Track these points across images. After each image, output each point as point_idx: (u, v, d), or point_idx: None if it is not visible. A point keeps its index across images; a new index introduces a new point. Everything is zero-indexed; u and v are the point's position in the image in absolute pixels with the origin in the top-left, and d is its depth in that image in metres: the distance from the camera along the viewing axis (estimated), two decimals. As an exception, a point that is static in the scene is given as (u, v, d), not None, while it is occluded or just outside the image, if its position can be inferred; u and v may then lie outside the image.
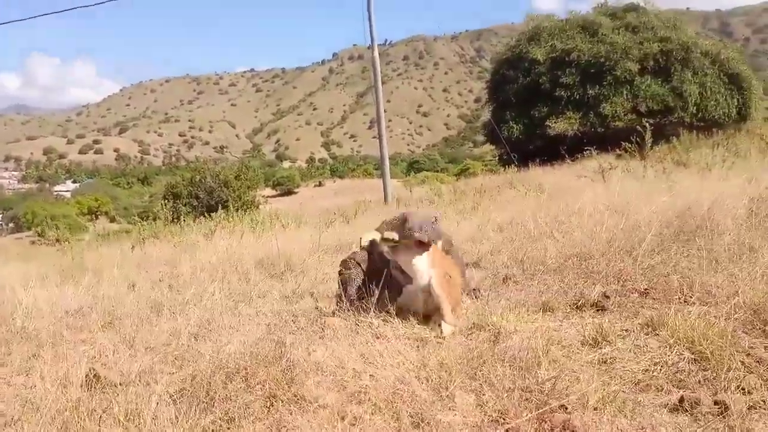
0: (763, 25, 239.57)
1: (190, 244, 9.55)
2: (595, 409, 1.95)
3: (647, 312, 2.92)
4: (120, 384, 2.53)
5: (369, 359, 2.46)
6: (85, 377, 2.66)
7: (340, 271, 3.56)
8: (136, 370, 2.67)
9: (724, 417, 1.85)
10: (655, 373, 2.24)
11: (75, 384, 2.57)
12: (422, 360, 2.41)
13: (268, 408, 2.08)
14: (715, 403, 1.95)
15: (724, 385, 2.07)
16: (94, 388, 2.54)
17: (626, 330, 2.73)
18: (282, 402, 2.09)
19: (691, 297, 3.07)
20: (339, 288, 3.53)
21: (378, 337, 2.75)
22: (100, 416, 2.06)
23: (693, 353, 2.32)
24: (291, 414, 2.01)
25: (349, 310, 3.14)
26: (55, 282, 6.49)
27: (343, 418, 1.93)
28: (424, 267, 3.05)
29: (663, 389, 2.14)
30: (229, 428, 1.99)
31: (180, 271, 6.45)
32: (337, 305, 3.41)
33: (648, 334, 2.63)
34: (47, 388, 2.50)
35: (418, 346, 2.69)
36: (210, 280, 5.61)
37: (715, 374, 2.16)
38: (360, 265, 3.39)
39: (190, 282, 5.51)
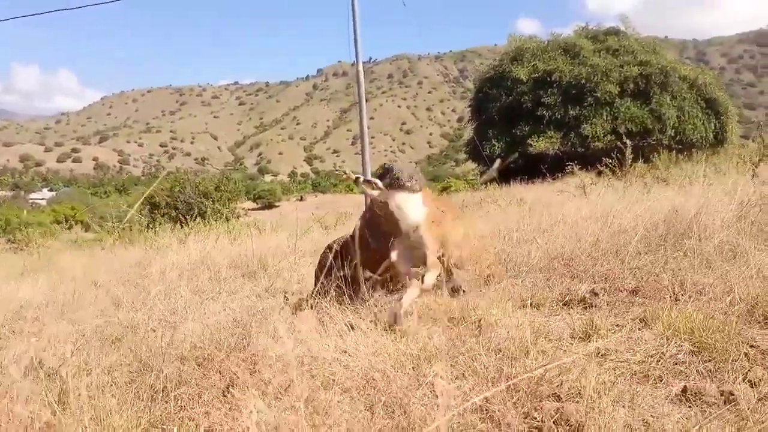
0: (737, 56, 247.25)
1: (163, 247, 9.23)
2: (591, 399, 1.77)
3: (638, 309, 2.77)
4: (63, 374, 2.27)
5: (342, 349, 2.26)
6: (29, 364, 2.40)
7: (322, 255, 3.37)
8: (84, 358, 2.42)
9: (732, 407, 1.69)
10: (652, 365, 2.07)
11: (16, 371, 2.31)
12: (399, 350, 2.22)
13: (225, 395, 1.86)
14: (721, 393, 1.79)
15: (730, 376, 1.91)
16: (35, 375, 2.29)
17: (618, 325, 2.57)
18: (241, 389, 1.87)
19: (683, 295, 2.93)
20: (316, 279, 3.32)
21: (353, 328, 2.54)
22: (29, 399, 1.82)
23: (693, 344, 2.16)
24: (251, 398, 1.79)
25: (324, 300, 2.93)
26: (15, 280, 6.17)
27: (308, 404, 1.72)
28: (418, 206, 2.96)
29: (663, 380, 1.97)
30: (179, 416, 1.77)
31: (149, 271, 6.17)
32: (313, 298, 3.20)
33: (641, 329, 2.47)
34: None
35: (395, 338, 2.49)
36: (179, 278, 5.36)
37: (718, 365, 2.00)
38: (342, 249, 3.20)
39: (158, 281, 5.24)
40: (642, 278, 3.29)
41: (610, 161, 12.88)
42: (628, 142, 14.00)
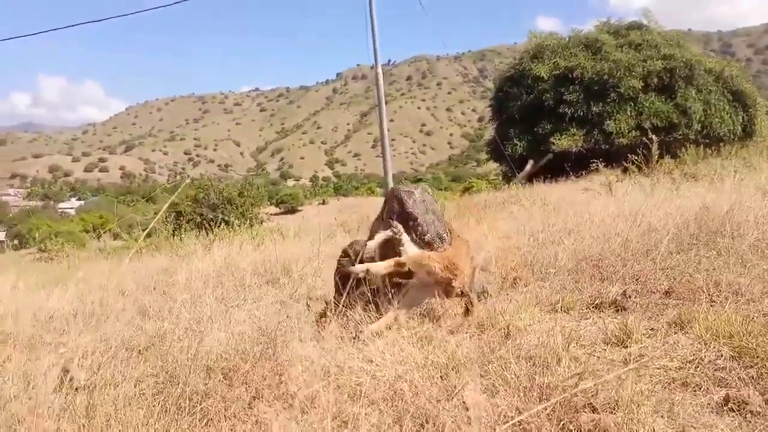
0: (764, 46, 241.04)
1: (189, 254, 9.33)
2: (628, 409, 1.70)
3: (672, 311, 2.67)
4: (92, 386, 2.28)
5: (368, 358, 2.22)
6: (58, 378, 2.42)
7: (338, 262, 3.33)
8: (112, 370, 2.43)
9: (780, 417, 1.60)
10: (691, 371, 1.99)
11: (46, 384, 2.33)
12: (427, 358, 2.17)
13: (251, 407, 1.84)
14: (766, 402, 1.71)
15: (775, 384, 1.82)
16: (64, 388, 2.30)
17: (652, 329, 2.48)
18: (267, 401, 1.85)
19: (718, 296, 2.82)
20: (336, 284, 3.29)
21: (378, 335, 2.51)
22: (59, 415, 1.82)
23: (733, 349, 2.07)
24: (276, 413, 1.76)
25: (346, 306, 2.90)
26: (45, 290, 6.28)
27: (334, 418, 1.69)
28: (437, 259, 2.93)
29: (702, 388, 1.89)
30: (205, 429, 1.75)
31: (175, 279, 6.23)
32: (335, 303, 3.17)
33: (677, 332, 2.38)
34: (14, 388, 2.26)
35: (422, 345, 2.44)
36: (204, 286, 5.38)
37: (761, 371, 1.91)
38: (358, 254, 3.16)
39: (184, 289, 5.28)
40: (675, 279, 3.18)
41: (636, 157, 12.63)
42: (654, 137, 13.73)
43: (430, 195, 3.30)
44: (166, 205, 12.24)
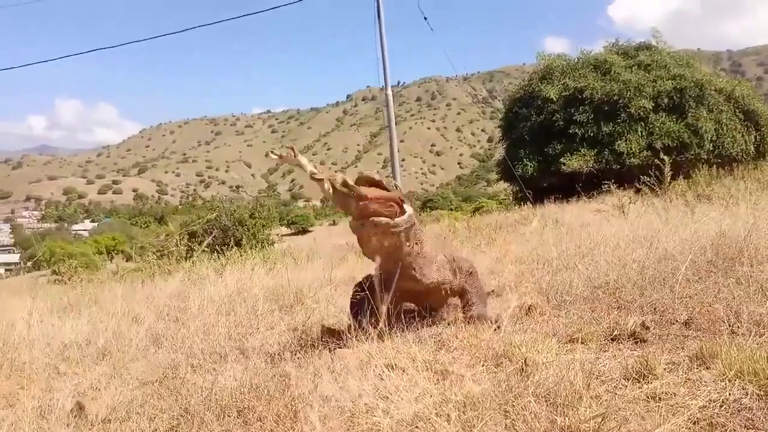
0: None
1: (201, 278, 9.34)
2: (652, 452, 1.66)
3: (693, 343, 2.62)
4: (105, 419, 2.27)
5: (383, 393, 2.19)
6: (70, 411, 2.41)
7: (353, 294, 3.32)
8: (125, 404, 2.42)
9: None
10: (715, 411, 1.94)
11: (57, 417, 2.32)
12: (444, 394, 2.13)
13: (267, 448, 1.81)
14: (797, 446, 1.66)
15: (805, 426, 1.77)
16: (77, 422, 2.29)
17: (673, 363, 2.43)
18: (283, 442, 1.83)
19: (739, 327, 2.77)
20: (349, 317, 3.27)
21: (393, 368, 2.47)
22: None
23: (759, 387, 2.02)
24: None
25: (359, 338, 2.87)
26: (57, 315, 6.29)
27: (353, 461, 1.66)
28: None
29: (728, 429, 1.84)
30: (221, 471, 1.73)
31: (188, 305, 6.23)
32: (348, 334, 3.14)
33: (699, 367, 2.33)
34: (27, 421, 2.25)
35: (438, 379, 2.41)
36: (217, 313, 5.38)
37: (790, 413, 1.86)
38: (373, 286, 3.14)
39: (197, 315, 5.27)
40: (694, 308, 3.13)
41: (648, 178, 12.54)
42: (666, 158, 13.64)
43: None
44: (183, 230, 12.29)
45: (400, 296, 3.33)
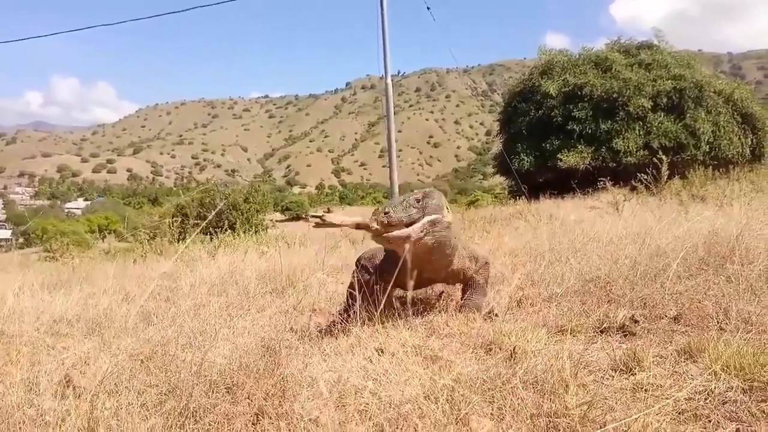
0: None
1: (193, 259, 9.32)
2: (636, 441, 1.67)
3: (681, 338, 2.64)
4: (94, 393, 2.26)
5: (372, 375, 2.20)
6: (58, 384, 2.41)
7: (353, 274, 3.35)
8: (113, 377, 2.42)
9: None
10: (701, 403, 1.95)
11: (46, 391, 2.32)
12: (432, 378, 2.14)
13: (254, 424, 1.82)
14: (779, 439, 1.68)
15: (788, 421, 1.79)
16: (65, 395, 2.29)
17: (661, 356, 2.45)
18: (270, 418, 1.83)
19: (728, 324, 2.79)
20: (347, 297, 3.28)
21: (382, 352, 2.48)
22: (59, 424, 1.81)
23: (744, 381, 2.04)
24: (279, 431, 1.75)
25: (350, 321, 2.88)
26: (48, 291, 6.27)
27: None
28: None
29: (712, 421, 1.86)
30: (208, 445, 1.73)
31: (179, 285, 6.22)
32: (341, 316, 3.15)
33: (686, 361, 2.35)
34: (15, 393, 2.25)
35: (427, 364, 2.42)
36: (208, 293, 5.38)
37: (773, 407, 1.88)
38: (375, 264, 3.18)
39: (188, 295, 5.27)
40: (684, 304, 3.15)
41: (645, 177, 12.58)
42: (664, 157, 13.67)
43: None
44: (174, 210, 12.24)
45: (416, 283, 3.34)
